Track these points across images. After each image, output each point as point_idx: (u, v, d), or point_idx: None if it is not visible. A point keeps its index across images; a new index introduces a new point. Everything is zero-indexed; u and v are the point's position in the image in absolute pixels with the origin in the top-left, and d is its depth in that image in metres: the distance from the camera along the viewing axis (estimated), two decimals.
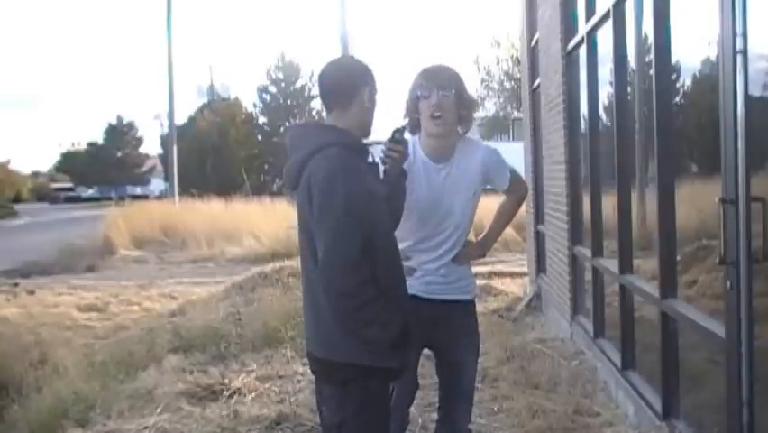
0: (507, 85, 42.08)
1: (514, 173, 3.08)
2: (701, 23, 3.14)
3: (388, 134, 2.66)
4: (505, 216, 3.19)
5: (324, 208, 2.27)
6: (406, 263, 2.82)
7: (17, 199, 58.65)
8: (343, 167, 2.29)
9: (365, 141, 2.52)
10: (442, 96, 2.78)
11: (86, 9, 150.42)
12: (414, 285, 2.83)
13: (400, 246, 2.93)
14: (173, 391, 5.15)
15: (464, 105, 2.87)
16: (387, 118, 3.00)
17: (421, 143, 2.90)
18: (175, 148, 26.72)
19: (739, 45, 2.56)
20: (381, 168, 2.62)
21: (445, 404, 3.03)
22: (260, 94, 48.42)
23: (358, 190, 2.28)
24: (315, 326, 2.45)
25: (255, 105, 48.87)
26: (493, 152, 3.01)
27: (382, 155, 2.63)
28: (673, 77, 3.79)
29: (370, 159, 2.49)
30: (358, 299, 2.24)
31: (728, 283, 2.66)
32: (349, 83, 2.44)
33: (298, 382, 5.29)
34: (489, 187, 3.05)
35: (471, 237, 3.13)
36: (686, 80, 3.91)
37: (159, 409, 4.75)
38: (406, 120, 2.91)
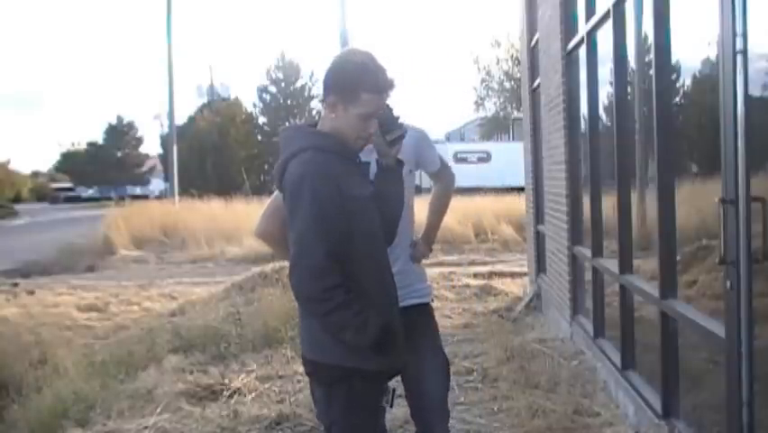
0: (507, 85, 42.12)
1: (442, 160, 3.10)
2: (701, 22, 3.14)
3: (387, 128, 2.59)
4: (439, 206, 3.16)
5: (292, 213, 2.30)
6: None
7: (17, 199, 58.72)
8: (313, 171, 2.28)
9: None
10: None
11: (86, 9, 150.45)
12: None
13: None
14: (173, 391, 5.16)
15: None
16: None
17: None
18: (175, 148, 26.73)
19: (739, 45, 2.56)
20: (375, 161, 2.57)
21: (419, 415, 2.88)
22: (260, 94, 48.46)
23: (327, 194, 2.26)
24: (305, 327, 2.46)
25: (255, 105, 48.93)
26: (420, 133, 2.96)
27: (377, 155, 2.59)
28: (673, 77, 3.78)
29: (357, 159, 2.45)
30: (325, 305, 2.24)
31: (728, 283, 2.66)
32: (335, 89, 2.38)
33: (298, 382, 5.29)
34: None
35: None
36: (686, 80, 3.91)
37: (159, 409, 4.75)
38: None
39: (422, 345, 2.83)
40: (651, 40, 3.73)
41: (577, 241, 6.08)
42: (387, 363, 2.40)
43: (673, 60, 3.67)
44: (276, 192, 2.89)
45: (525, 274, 9.76)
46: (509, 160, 25.79)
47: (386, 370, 2.43)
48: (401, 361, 2.48)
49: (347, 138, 2.41)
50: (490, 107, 44.04)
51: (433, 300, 3.06)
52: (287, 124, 46.65)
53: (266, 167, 47.53)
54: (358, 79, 2.35)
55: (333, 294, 2.23)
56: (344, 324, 2.26)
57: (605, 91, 5.24)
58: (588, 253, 5.54)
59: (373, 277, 2.38)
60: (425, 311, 2.94)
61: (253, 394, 5.04)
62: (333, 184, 2.29)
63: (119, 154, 59.18)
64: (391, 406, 2.51)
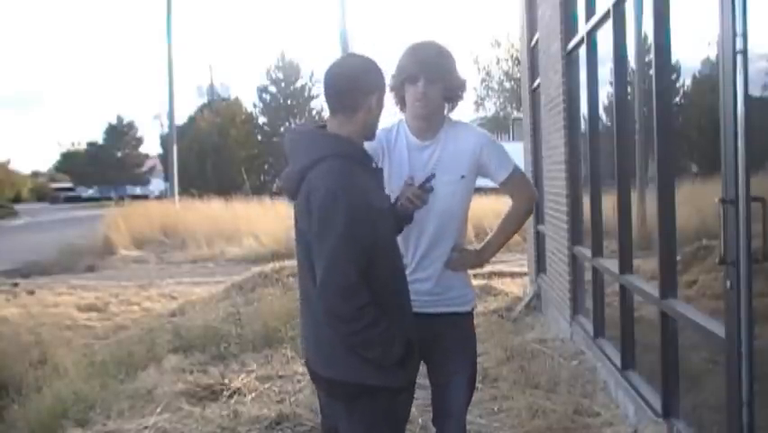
0: (507, 85, 42.17)
1: (518, 171, 2.85)
2: (701, 22, 3.14)
3: (419, 179, 2.54)
4: (507, 224, 2.92)
5: (324, 227, 2.16)
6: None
7: (17, 199, 58.68)
8: (345, 183, 2.17)
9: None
10: (428, 85, 2.66)
11: (86, 9, 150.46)
12: None
13: None
14: (173, 391, 5.15)
15: (451, 89, 2.75)
16: (386, 116, 2.96)
17: (406, 121, 2.80)
18: (175, 148, 26.76)
19: (739, 45, 2.56)
20: (396, 201, 2.53)
21: (436, 419, 2.88)
22: (260, 94, 48.49)
23: (360, 209, 2.16)
24: (315, 342, 2.36)
25: (255, 106, 48.98)
26: (491, 140, 2.85)
27: (404, 198, 2.52)
28: (673, 77, 3.78)
29: (375, 166, 2.38)
30: (358, 323, 2.17)
31: (728, 283, 2.66)
32: (357, 89, 2.29)
33: (298, 382, 5.29)
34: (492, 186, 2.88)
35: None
36: (686, 80, 3.91)
37: (159, 409, 4.75)
38: (398, 106, 2.80)
39: (451, 357, 2.75)
40: (651, 40, 3.73)
41: (577, 241, 6.08)
42: (406, 378, 2.35)
43: (673, 60, 3.67)
44: None
45: (525, 274, 9.76)
46: None
47: (406, 384, 2.37)
48: (416, 372, 2.42)
49: (370, 136, 2.38)
50: (490, 107, 44.10)
51: (473, 309, 2.86)
52: (287, 124, 46.82)
53: (266, 167, 47.61)
54: (382, 71, 2.37)
55: (364, 312, 2.16)
56: (375, 341, 2.19)
57: (605, 91, 5.24)
58: (588, 253, 5.53)
59: (393, 292, 2.31)
60: (457, 322, 2.77)
61: (253, 394, 5.03)
62: (364, 198, 2.19)
63: (119, 154, 59.16)
64: None
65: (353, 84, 2.30)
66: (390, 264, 2.33)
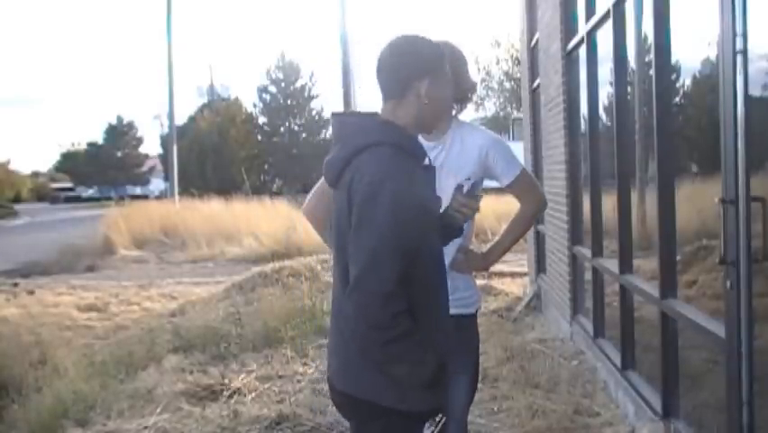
0: (507, 85, 42.14)
1: (526, 175, 2.81)
2: (701, 22, 3.14)
3: (463, 185, 2.37)
4: (514, 226, 2.86)
5: (364, 221, 1.89)
6: None
7: (17, 199, 58.77)
8: (394, 173, 1.91)
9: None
10: None
11: (86, 10, 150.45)
12: None
13: None
14: (173, 391, 5.16)
15: (462, 90, 2.73)
16: None
17: None
18: (175, 148, 26.75)
19: (739, 45, 2.56)
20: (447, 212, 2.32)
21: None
22: (260, 94, 48.50)
23: (407, 205, 1.89)
24: (336, 352, 2.13)
25: (255, 106, 49.01)
26: (498, 141, 2.80)
27: (453, 208, 2.32)
28: (673, 77, 3.78)
29: (429, 162, 2.12)
30: (390, 333, 1.88)
31: (728, 283, 2.66)
32: (402, 72, 2.03)
33: (298, 382, 5.30)
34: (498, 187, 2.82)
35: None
36: (686, 80, 3.91)
37: (159, 409, 4.75)
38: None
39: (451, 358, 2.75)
40: (651, 40, 3.72)
41: (577, 241, 6.08)
42: (431, 402, 2.04)
43: (673, 60, 3.66)
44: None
45: (525, 274, 9.76)
46: None
47: (428, 410, 2.06)
48: (442, 401, 2.10)
49: (426, 131, 2.14)
50: (490, 107, 44.06)
51: (477, 310, 2.82)
52: (287, 124, 46.81)
53: (266, 167, 47.63)
54: (442, 54, 2.10)
55: (400, 321, 1.88)
56: (404, 356, 1.92)
57: (605, 91, 5.24)
58: (588, 253, 5.53)
59: (433, 307, 2.02)
60: (461, 324, 2.66)
61: (253, 394, 5.04)
62: (413, 194, 1.92)
63: (119, 154, 59.23)
64: None
65: (397, 66, 2.04)
66: (434, 273, 2.03)
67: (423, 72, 2.03)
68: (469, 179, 2.68)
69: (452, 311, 2.67)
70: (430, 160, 2.12)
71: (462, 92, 2.75)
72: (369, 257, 1.86)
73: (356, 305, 1.88)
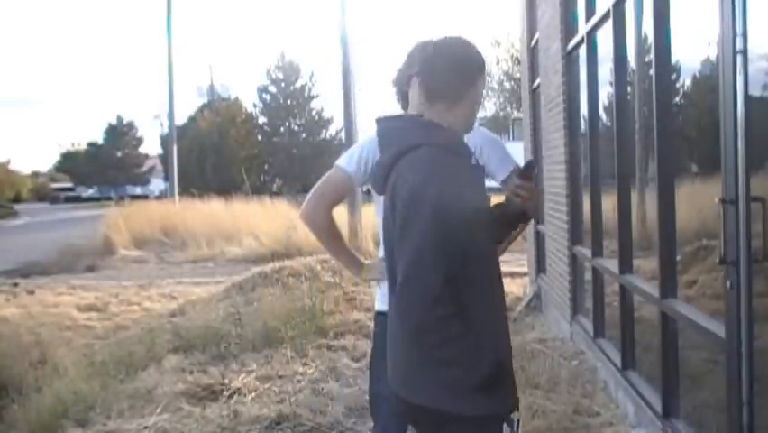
0: (507, 85, 42.09)
1: (516, 172, 2.84)
2: (701, 22, 3.14)
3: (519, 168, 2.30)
4: None
5: (407, 224, 1.88)
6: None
7: (17, 199, 58.81)
8: (436, 174, 1.89)
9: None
10: None
11: (86, 10, 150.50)
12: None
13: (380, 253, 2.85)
14: (173, 391, 5.15)
15: None
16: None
17: None
18: (175, 148, 26.74)
19: (739, 45, 2.56)
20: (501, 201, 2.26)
21: None
22: (260, 94, 48.46)
23: (451, 206, 1.85)
24: (393, 357, 2.07)
25: (255, 106, 48.96)
26: (492, 139, 2.84)
27: (509, 192, 2.27)
28: (673, 77, 3.78)
29: (475, 161, 2.08)
30: (438, 336, 1.84)
31: (728, 283, 2.66)
32: (463, 75, 2.04)
33: (298, 382, 5.30)
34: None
35: None
36: (686, 80, 3.91)
37: (159, 409, 4.75)
38: (399, 103, 2.80)
39: None
40: (651, 40, 3.73)
41: (577, 241, 6.09)
42: (497, 406, 1.98)
43: (673, 60, 3.67)
44: (331, 171, 2.76)
45: (525, 274, 9.76)
46: None
47: (495, 414, 1.99)
48: (514, 400, 2.06)
49: (470, 129, 2.12)
50: (490, 107, 44.00)
51: None
52: (287, 124, 46.76)
53: (266, 167, 47.61)
54: (481, 59, 2.11)
55: (449, 323, 1.84)
56: (455, 359, 1.87)
57: (605, 91, 5.24)
58: (588, 253, 5.53)
59: (484, 306, 1.98)
60: None
61: (253, 394, 5.03)
62: (457, 194, 1.89)
63: (119, 154, 59.22)
64: None
65: (460, 69, 2.03)
66: (485, 274, 2.00)
67: (478, 73, 2.06)
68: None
69: None
70: (476, 159, 2.09)
71: None
72: (412, 262, 1.85)
73: (402, 310, 1.88)
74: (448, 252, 1.84)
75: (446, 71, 2.03)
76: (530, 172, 2.29)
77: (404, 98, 2.78)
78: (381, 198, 2.74)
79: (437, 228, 1.83)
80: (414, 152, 1.95)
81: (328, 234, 2.85)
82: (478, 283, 1.95)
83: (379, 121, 2.14)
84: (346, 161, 2.74)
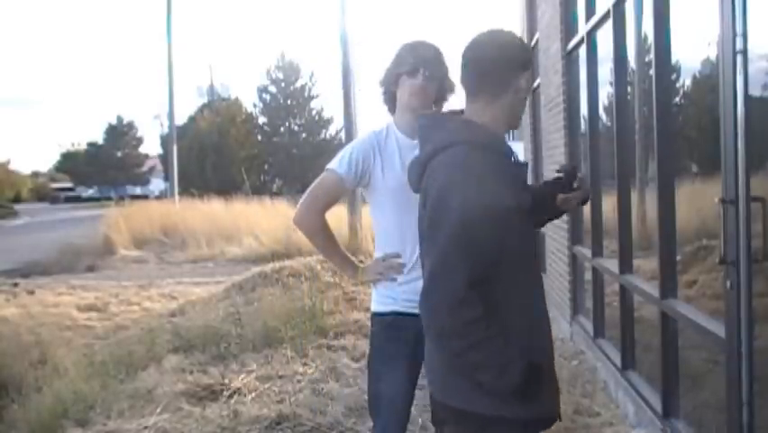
0: None
1: None
2: (701, 22, 3.14)
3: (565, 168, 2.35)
4: None
5: (435, 225, 1.85)
6: (397, 260, 2.71)
7: (17, 199, 58.80)
8: (466, 175, 1.83)
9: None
10: (426, 81, 2.68)
11: (86, 10, 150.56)
12: (397, 298, 2.72)
13: (377, 254, 2.80)
14: (173, 391, 5.15)
15: (443, 90, 2.77)
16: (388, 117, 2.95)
17: (396, 121, 2.80)
18: (175, 148, 26.73)
19: (739, 45, 2.56)
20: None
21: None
22: (260, 94, 48.45)
23: (480, 206, 1.79)
24: (429, 362, 2.04)
25: (255, 106, 48.95)
26: None
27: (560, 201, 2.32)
28: (673, 77, 3.78)
29: (516, 158, 2.01)
30: (466, 340, 1.80)
31: (728, 283, 2.66)
32: (507, 67, 1.96)
33: (298, 382, 5.29)
34: None
35: None
36: (686, 80, 3.91)
37: (159, 409, 4.74)
38: (386, 105, 2.79)
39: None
40: (651, 40, 3.73)
41: (577, 241, 6.09)
42: (538, 410, 1.93)
43: (673, 60, 3.67)
44: (323, 174, 2.77)
45: None
46: None
47: (537, 418, 1.95)
48: (556, 405, 2.01)
49: (516, 125, 2.04)
50: None
51: None
52: (287, 124, 46.74)
53: (266, 167, 47.59)
54: (530, 47, 2.13)
55: (476, 327, 1.80)
56: (485, 363, 1.82)
57: (605, 91, 5.25)
58: (588, 253, 5.53)
59: (520, 308, 1.92)
60: None
61: (253, 394, 5.03)
62: (488, 194, 1.81)
63: (119, 154, 59.26)
64: None
65: (503, 60, 1.96)
66: (520, 276, 1.93)
67: (523, 66, 1.99)
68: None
69: None
70: (516, 157, 2.02)
71: (443, 91, 2.79)
72: (437, 264, 1.83)
73: (428, 311, 1.85)
74: (474, 253, 1.80)
75: (491, 67, 1.96)
76: (572, 180, 2.33)
77: (391, 99, 2.81)
78: (381, 197, 2.74)
79: (463, 230, 1.79)
80: (448, 150, 1.91)
81: (322, 237, 2.87)
82: (511, 286, 1.90)
83: (420, 118, 2.11)
84: (337, 164, 2.75)
